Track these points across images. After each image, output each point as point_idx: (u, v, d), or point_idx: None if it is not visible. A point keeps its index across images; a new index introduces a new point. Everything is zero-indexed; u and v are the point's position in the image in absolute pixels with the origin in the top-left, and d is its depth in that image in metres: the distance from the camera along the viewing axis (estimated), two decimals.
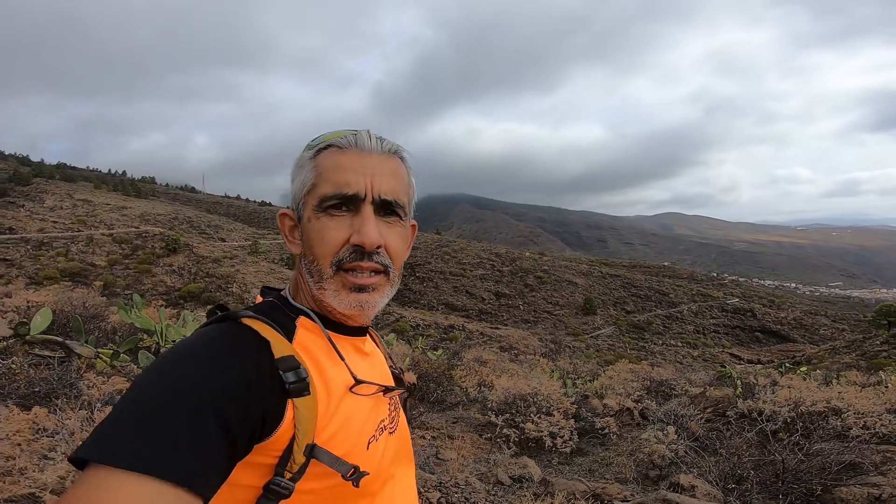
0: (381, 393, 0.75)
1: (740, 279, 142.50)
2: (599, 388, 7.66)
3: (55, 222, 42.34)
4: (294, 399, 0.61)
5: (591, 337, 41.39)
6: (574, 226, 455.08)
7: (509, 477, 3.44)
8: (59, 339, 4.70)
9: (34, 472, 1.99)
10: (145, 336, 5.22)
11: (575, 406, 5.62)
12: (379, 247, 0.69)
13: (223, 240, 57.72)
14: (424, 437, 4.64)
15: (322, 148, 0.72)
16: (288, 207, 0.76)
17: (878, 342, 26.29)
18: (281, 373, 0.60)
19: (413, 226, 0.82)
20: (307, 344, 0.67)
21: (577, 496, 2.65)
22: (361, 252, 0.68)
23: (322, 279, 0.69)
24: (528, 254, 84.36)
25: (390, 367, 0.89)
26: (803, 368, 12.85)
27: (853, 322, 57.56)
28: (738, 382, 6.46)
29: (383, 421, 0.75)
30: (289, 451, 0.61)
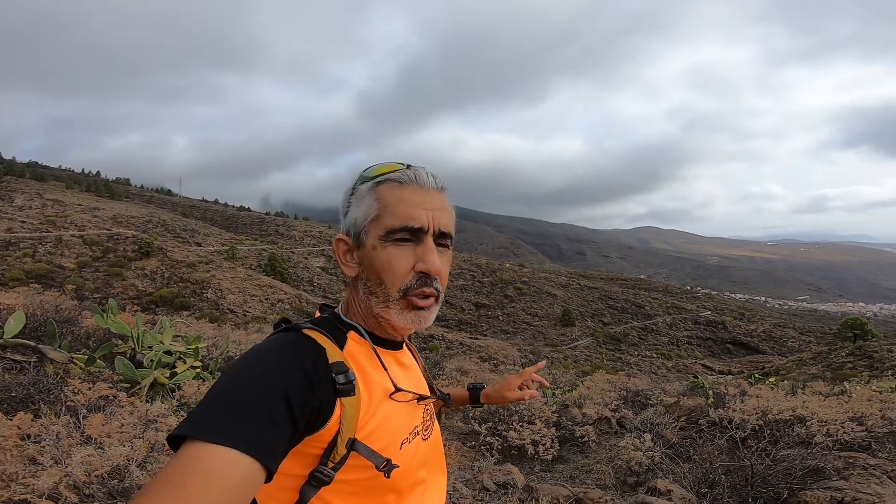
0: (416, 400, 0.87)
1: (713, 293, 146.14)
2: (578, 398, 7.79)
3: (23, 222, 40.84)
4: (342, 398, 0.72)
5: (570, 348, 41.84)
6: (554, 238, 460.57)
7: (494, 483, 3.52)
8: (32, 343, 4.59)
9: (26, 477, 1.99)
10: (120, 342, 5.13)
11: (555, 415, 5.74)
12: (438, 274, 0.81)
13: (199, 244, 56.49)
14: None
15: (381, 181, 0.83)
16: (347, 234, 0.86)
17: (843, 354, 27.27)
18: (333, 375, 0.72)
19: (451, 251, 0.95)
20: (355, 353, 0.80)
21: (561, 501, 2.75)
22: (424, 279, 0.80)
23: (388, 300, 0.81)
24: (508, 265, 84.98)
25: (427, 379, 1.02)
26: (772, 379, 13.27)
27: (819, 334, 59.59)
28: (710, 392, 6.69)
29: (417, 427, 0.86)
30: (333, 444, 0.72)
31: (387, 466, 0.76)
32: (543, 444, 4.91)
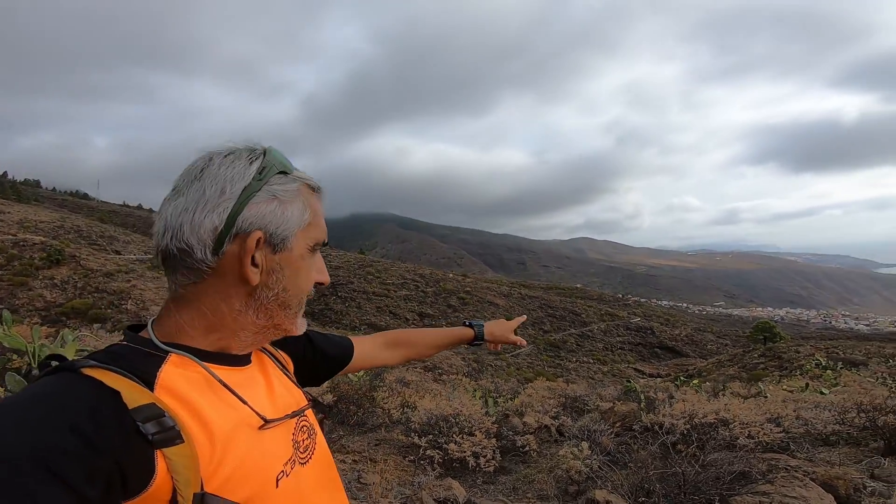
0: (291, 418, 0.74)
1: (641, 300, 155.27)
2: (519, 406, 7.87)
3: None
4: (163, 449, 0.56)
5: (512, 356, 42.64)
6: (496, 248, 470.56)
7: (434, 500, 3.40)
8: None
9: None
10: (15, 356, 4.59)
11: (496, 425, 5.72)
12: None
13: (118, 252, 52.11)
14: (345, 461, 4.48)
15: (302, 184, 0.72)
16: (262, 231, 0.67)
17: (755, 355, 29.78)
18: (139, 424, 0.55)
19: None
20: (178, 388, 0.61)
21: None
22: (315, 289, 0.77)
23: (299, 309, 0.74)
24: (451, 275, 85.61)
25: (296, 384, 0.84)
26: (695, 381, 14.19)
27: (734, 337, 64.86)
28: (642, 396, 6.97)
29: (293, 452, 0.72)
30: (175, 502, 0.57)
31: None
32: (485, 456, 4.85)
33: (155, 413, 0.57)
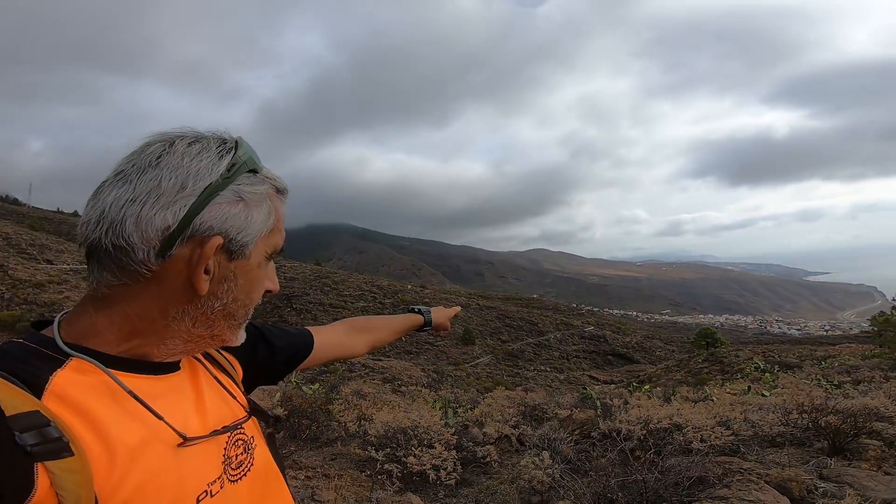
0: (221, 434, 0.65)
1: (594, 309, 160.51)
2: (479, 416, 7.82)
3: None
4: (45, 463, 0.48)
5: (471, 366, 42.75)
6: (454, 259, 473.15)
7: None
8: None
9: None
10: None
11: (456, 436, 5.63)
12: None
13: (50, 262, 48.36)
14: (297, 478, 4.24)
15: (272, 187, 0.65)
16: (223, 236, 0.59)
17: (700, 360, 31.32)
18: (15, 433, 0.48)
19: None
20: (70, 394, 0.53)
21: None
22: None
23: (244, 321, 0.67)
24: (410, 286, 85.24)
25: (234, 395, 0.74)
26: (646, 387, 14.71)
27: (680, 344, 67.99)
28: (598, 403, 7.10)
29: (223, 469, 0.64)
30: None
31: None
32: (445, 469, 4.74)
33: (37, 422, 0.49)
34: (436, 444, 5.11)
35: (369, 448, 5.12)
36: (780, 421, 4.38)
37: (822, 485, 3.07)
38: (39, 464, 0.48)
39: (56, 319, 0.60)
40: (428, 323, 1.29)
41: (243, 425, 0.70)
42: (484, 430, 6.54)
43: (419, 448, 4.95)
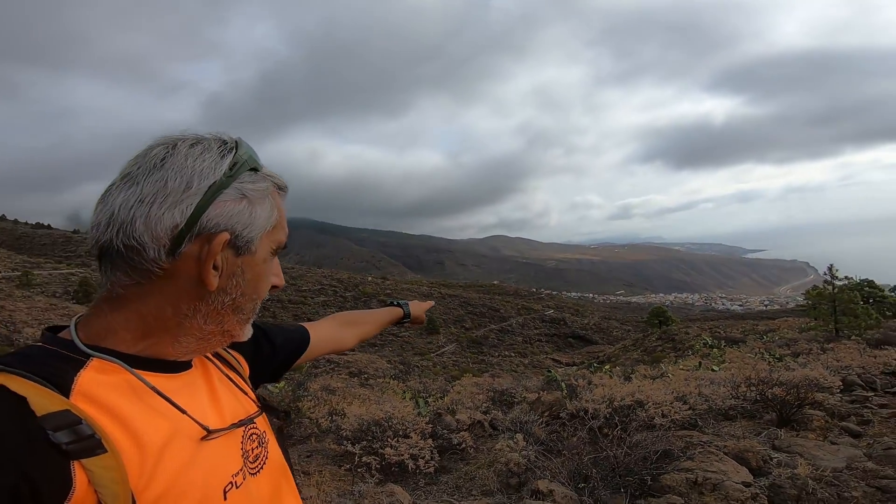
0: (238, 427, 0.68)
1: (553, 292, 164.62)
2: (450, 404, 7.96)
3: None
4: (82, 461, 0.50)
5: (437, 355, 43.06)
6: (414, 249, 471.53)
7: None
8: None
9: None
10: None
11: (430, 425, 5.73)
12: None
13: None
14: None
15: (271, 184, 0.68)
16: (230, 233, 0.62)
17: (654, 339, 32.89)
18: (49, 433, 0.49)
19: None
20: (96, 393, 0.55)
21: None
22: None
23: (252, 315, 0.69)
24: (370, 278, 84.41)
25: (245, 391, 0.78)
26: (606, 367, 15.35)
27: (635, 323, 70.99)
28: (563, 385, 7.39)
29: (242, 462, 0.67)
30: None
31: None
32: (423, 457, 4.83)
33: (69, 421, 0.50)
34: (411, 434, 5.19)
35: (345, 442, 5.14)
36: (731, 394, 4.74)
37: (776, 455, 3.36)
38: (76, 462, 0.49)
39: (73, 322, 0.62)
40: (407, 315, 1.33)
41: (255, 420, 0.73)
42: (456, 417, 6.67)
43: (395, 439, 5.02)
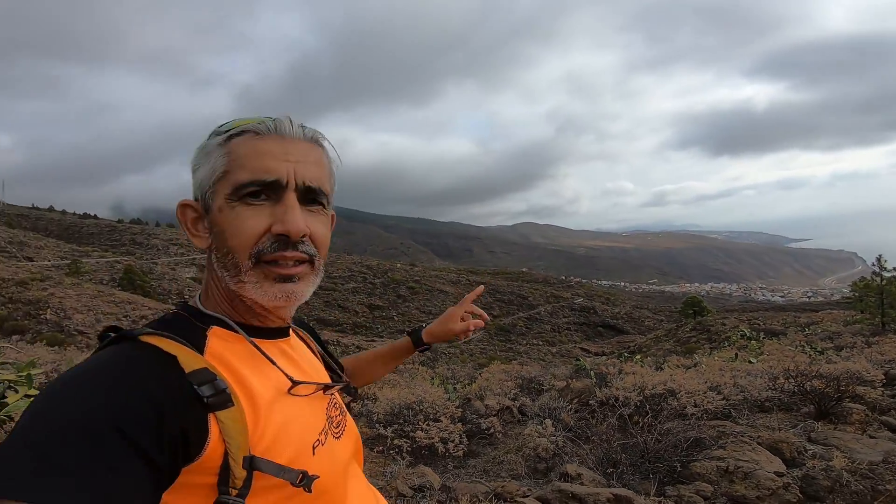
0: (322, 391, 0.74)
1: (583, 280, 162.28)
2: (478, 390, 8.06)
3: None
4: (216, 413, 0.57)
5: (464, 342, 43.29)
6: (443, 237, 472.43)
7: (409, 487, 3.45)
8: None
9: None
10: None
11: (459, 410, 5.84)
12: (304, 235, 0.66)
13: (30, 259, 47.39)
14: None
15: (235, 134, 0.66)
16: (195, 198, 0.70)
17: (688, 329, 32.06)
18: (196, 387, 0.57)
19: (333, 215, 0.78)
20: (222, 353, 0.64)
21: (480, 498, 2.78)
22: (285, 242, 0.65)
23: (240, 272, 0.65)
24: (399, 265, 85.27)
25: (328, 365, 0.86)
26: (638, 357, 15.13)
27: (668, 313, 69.28)
28: (592, 373, 7.37)
29: (327, 424, 0.73)
30: (226, 467, 0.57)
31: (304, 480, 0.62)
32: (453, 441, 4.94)
33: (208, 377, 0.58)
34: (441, 418, 5.31)
35: (377, 426, 5.30)
36: (768, 386, 4.63)
37: (812, 447, 3.29)
38: (212, 414, 0.57)
39: (199, 293, 0.72)
40: (417, 342, 1.12)
41: (334, 392, 0.78)
42: (485, 402, 6.76)
43: (426, 423, 5.15)
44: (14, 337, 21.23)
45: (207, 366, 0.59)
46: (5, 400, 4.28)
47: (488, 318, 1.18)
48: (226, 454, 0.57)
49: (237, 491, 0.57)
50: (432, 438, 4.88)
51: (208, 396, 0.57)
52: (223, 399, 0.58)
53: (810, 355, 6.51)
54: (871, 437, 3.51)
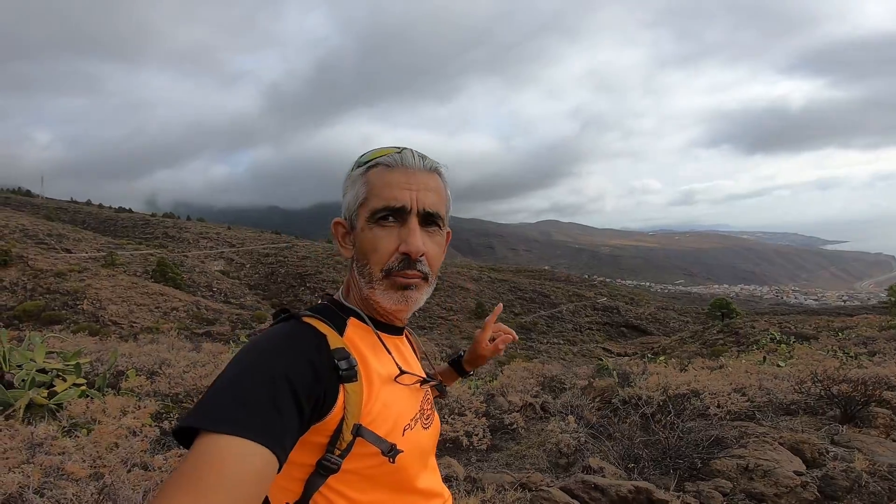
0: (419, 384, 0.90)
1: (607, 280, 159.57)
2: (501, 387, 8.18)
3: None
4: (345, 384, 0.74)
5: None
6: (465, 233, 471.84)
7: None
8: None
9: None
10: None
11: (483, 405, 5.97)
12: (421, 255, 0.82)
13: (68, 251, 49.42)
14: None
15: (372, 165, 0.85)
16: (343, 217, 0.90)
17: (714, 331, 31.29)
18: (336, 361, 0.74)
19: (448, 233, 0.95)
20: (355, 339, 0.82)
21: (506, 487, 2.91)
22: (408, 260, 0.81)
23: (373, 281, 0.83)
24: None
25: (426, 368, 1.06)
26: (661, 358, 14.94)
27: (694, 315, 67.61)
28: (615, 373, 7.40)
29: (418, 413, 0.88)
30: (338, 431, 0.73)
31: (392, 451, 0.77)
32: (477, 435, 5.09)
33: (345, 354, 0.76)
34: (467, 412, 5.47)
35: None
36: (794, 389, 4.61)
37: (833, 449, 3.30)
38: (342, 385, 0.73)
39: (340, 288, 0.91)
40: (462, 372, 1.26)
41: (428, 388, 0.95)
42: (508, 399, 6.88)
43: (451, 416, 5.31)
44: (55, 327, 22.24)
45: (345, 346, 0.77)
46: (54, 388, 4.57)
47: (516, 336, 1.27)
48: (342, 420, 0.73)
49: (339, 452, 0.74)
50: (457, 432, 5.04)
51: (344, 370, 0.74)
52: (352, 374, 0.75)
53: (841, 360, 6.40)
54: (894, 440, 3.49)
